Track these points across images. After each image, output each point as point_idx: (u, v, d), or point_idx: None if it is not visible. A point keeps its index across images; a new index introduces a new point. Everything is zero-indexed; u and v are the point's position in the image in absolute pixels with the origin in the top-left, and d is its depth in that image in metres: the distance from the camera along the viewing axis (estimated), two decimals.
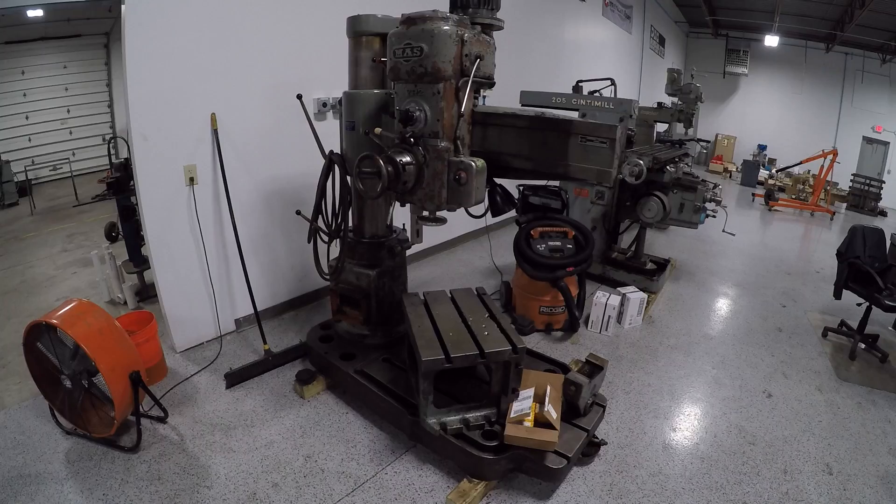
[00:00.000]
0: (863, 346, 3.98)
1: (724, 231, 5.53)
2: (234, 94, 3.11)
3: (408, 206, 2.30)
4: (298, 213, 2.82)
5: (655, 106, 6.56)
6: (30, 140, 8.52)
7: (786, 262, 6.40)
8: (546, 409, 2.16)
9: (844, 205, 10.70)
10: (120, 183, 3.73)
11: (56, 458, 2.34)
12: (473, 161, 1.93)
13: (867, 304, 3.84)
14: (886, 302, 3.63)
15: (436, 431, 2.21)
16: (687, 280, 5.26)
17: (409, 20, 1.93)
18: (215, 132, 3.04)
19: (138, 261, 3.97)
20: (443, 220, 2.18)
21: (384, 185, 1.94)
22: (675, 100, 6.47)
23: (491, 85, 2.09)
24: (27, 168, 8.03)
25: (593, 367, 2.52)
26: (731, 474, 2.47)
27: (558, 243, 3.69)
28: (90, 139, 9.14)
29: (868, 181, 10.79)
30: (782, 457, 2.61)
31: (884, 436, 2.89)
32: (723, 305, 4.75)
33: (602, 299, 3.83)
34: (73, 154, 8.69)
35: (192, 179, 3.01)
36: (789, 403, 3.11)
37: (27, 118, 8.47)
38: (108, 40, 9.05)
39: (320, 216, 2.73)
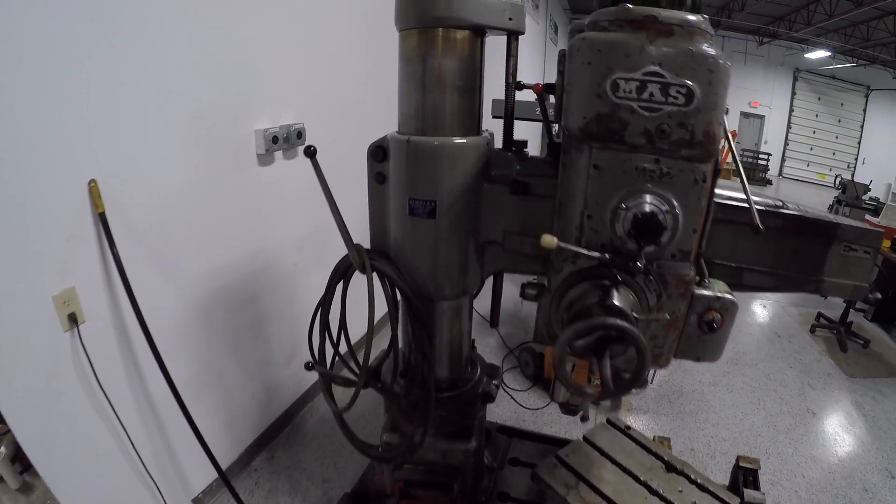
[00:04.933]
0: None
1: None
2: (129, 137, 1.69)
3: None
4: (310, 367, 1.55)
5: None
6: None
7: None
8: None
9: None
10: None
11: None
12: (731, 293, 1.18)
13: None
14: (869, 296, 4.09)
15: None
16: None
17: (656, 22, 0.93)
18: (101, 217, 1.61)
19: None
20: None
21: (641, 371, 0.93)
22: None
23: None
24: None
25: (748, 472, 2.10)
26: None
27: None
28: None
29: (756, 154, 11.72)
30: (858, 476, 2.83)
31: None
32: None
33: None
34: None
35: (72, 317, 1.57)
36: (829, 416, 3.42)
37: None
38: None
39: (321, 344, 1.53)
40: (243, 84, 2.13)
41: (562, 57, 1.04)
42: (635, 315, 1.03)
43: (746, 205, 1.21)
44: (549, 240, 1.02)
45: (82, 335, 1.62)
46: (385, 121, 2.99)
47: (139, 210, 1.76)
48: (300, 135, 2.44)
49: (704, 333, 1.16)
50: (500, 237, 1.33)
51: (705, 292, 1.17)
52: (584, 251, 1.04)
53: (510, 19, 1.23)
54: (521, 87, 1.36)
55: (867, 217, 5.28)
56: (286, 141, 2.37)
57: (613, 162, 1.00)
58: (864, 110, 14.35)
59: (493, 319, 1.59)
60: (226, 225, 2.16)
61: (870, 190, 6.59)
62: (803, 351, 4.26)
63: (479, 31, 1.26)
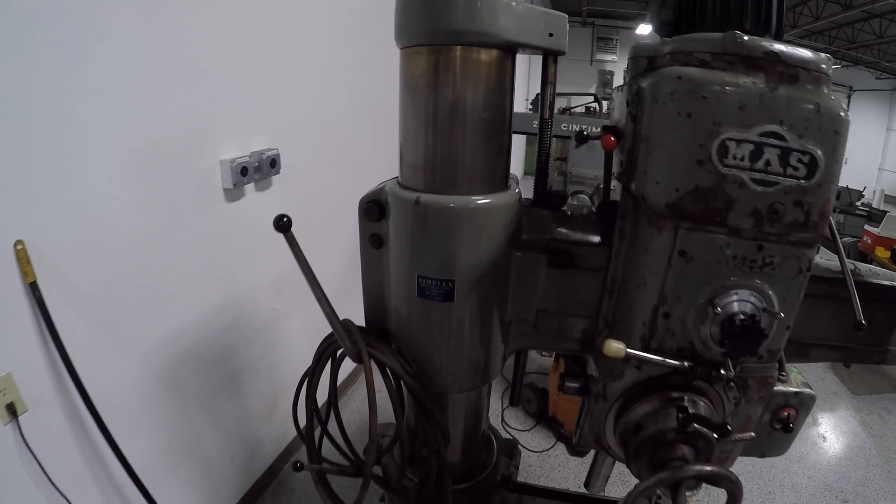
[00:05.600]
0: None
1: None
2: (61, 183, 1.40)
3: None
4: (300, 467, 1.28)
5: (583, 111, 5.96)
6: None
7: None
8: None
9: None
10: None
11: None
12: (809, 386, 1.02)
13: None
14: None
15: None
16: None
17: (778, 62, 0.68)
18: (33, 287, 1.31)
19: None
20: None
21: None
22: (607, 103, 6.01)
23: None
24: None
25: None
26: None
27: None
28: None
29: None
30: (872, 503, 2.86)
31: None
32: None
33: None
34: None
35: (11, 407, 1.30)
36: (839, 438, 3.44)
37: None
38: None
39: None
40: (204, 106, 1.84)
41: (636, 97, 0.76)
42: (716, 437, 0.81)
43: (818, 272, 1.00)
44: (616, 349, 0.77)
45: (23, 427, 1.33)
46: (372, 140, 2.75)
47: (80, 272, 1.46)
48: (274, 163, 2.15)
49: (776, 431, 0.97)
50: (532, 316, 1.07)
51: (783, 388, 0.97)
52: (659, 359, 0.80)
53: (550, 35, 0.94)
54: (584, 138, 1.08)
55: (866, 227, 5.19)
56: (258, 171, 2.08)
57: (707, 249, 0.74)
58: (847, 110, 14.46)
59: (514, 398, 1.35)
60: (189, 275, 1.87)
61: (863, 196, 6.54)
62: (808, 368, 4.29)
63: (509, 50, 0.96)
